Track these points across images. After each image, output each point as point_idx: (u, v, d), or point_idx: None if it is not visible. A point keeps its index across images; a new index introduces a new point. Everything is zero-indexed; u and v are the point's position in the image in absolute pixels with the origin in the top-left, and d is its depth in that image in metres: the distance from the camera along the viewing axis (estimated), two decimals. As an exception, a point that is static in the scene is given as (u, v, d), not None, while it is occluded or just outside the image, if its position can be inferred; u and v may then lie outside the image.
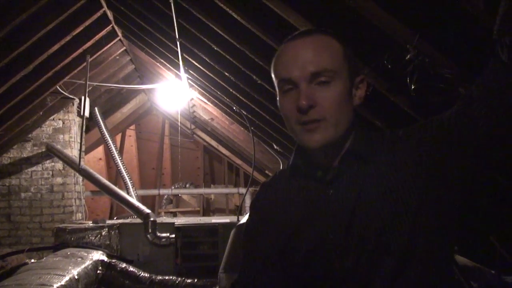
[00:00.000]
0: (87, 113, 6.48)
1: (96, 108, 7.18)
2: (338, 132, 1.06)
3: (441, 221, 1.04)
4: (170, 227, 6.02)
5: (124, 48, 6.41)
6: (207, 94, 5.96)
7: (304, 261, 1.10)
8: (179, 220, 6.53)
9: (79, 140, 6.52)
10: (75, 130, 6.82)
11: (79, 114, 6.76)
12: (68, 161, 6.51)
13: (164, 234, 5.93)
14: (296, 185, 1.17)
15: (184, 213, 10.18)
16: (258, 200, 1.27)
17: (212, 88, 5.23)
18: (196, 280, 5.54)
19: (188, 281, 5.55)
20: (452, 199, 1.05)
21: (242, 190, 9.43)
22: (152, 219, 5.95)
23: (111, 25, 5.45)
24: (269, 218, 1.20)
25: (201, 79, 5.31)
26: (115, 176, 9.65)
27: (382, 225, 1.02)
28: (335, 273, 1.06)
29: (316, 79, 1.04)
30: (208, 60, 4.27)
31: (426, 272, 1.02)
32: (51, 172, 6.70)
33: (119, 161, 7.47)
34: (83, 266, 4.89)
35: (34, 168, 6.67)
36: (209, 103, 6.43)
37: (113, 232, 5.99)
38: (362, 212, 1.04)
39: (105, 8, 4.97)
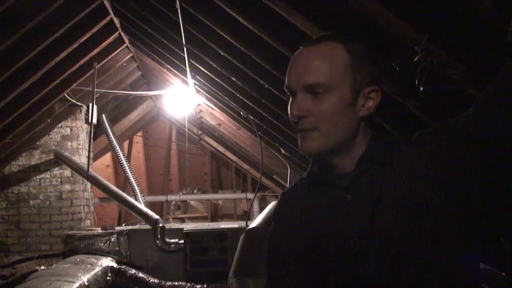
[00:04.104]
0: (94, 120, 6.51)
1: (103, 115, 7.21)
2: (329, 142, 1.07)
3: (463, 224, 1.03)
4: (178, 233, 6.01)
5: (131, 54, 6.44)
6: (214, 100, 5.97)
7: (326, 268, 1.11)
8: (188, 226, 6.53)
9: (87, 147, 6.53)
10: (83, 137, 6.85)
11: (87, 121, 6.79)
12: (76, 168, 6.53)
13: (173, 240, 5.92)
14: (315, 192, 1.17)
15: (192, 219, 10.17)
16: (279, 209, 1.28)
17: (219, 93, 5.23)
18: (205, 286, 5.52)
19: (197, 286, 5.53)
20: (472, 201, 1.03)
21: (250, 195, 9.42)
22: (160, 225, 5.94)
23: (118, 32, 5.47)
24: (290, 226, 1.20)
25: (208, 85, 5.32)
26: (123, 182, 9.67)
27: (403, 230, 1.01)
28: (358, 279, 1.05)
29: (311, 90, 1.06)
30: (215, 65, 4.27)
31: (450, 276, 1.01)
32: (59, 179, 6.72)
33: (127, 167, 7.48)
34: (92, 273, 4.89)
35: (42, 176, 6.70)
36: (216, 108, 6.43)
37: (122, 239, 6.00)
38: (381, 217, 1.04)
39: (111, 15, 4.99)
